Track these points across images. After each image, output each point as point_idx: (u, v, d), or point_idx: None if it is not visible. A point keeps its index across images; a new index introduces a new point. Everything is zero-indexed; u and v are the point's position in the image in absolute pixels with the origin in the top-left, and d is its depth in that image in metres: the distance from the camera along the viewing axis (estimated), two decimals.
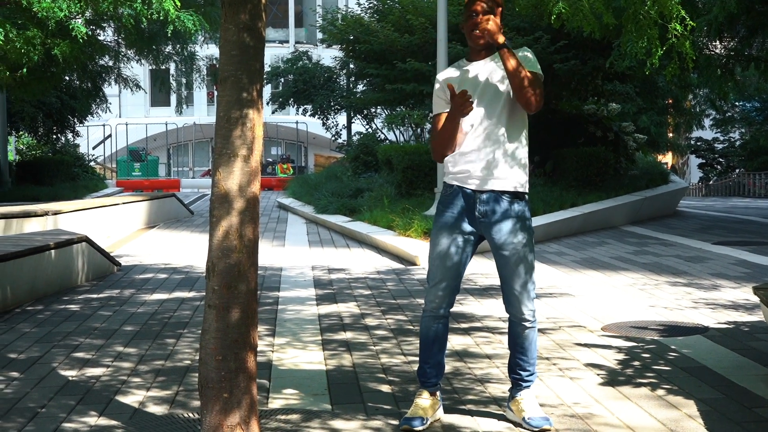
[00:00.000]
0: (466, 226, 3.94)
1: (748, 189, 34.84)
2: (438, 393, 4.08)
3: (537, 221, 12.25)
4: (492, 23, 3.85)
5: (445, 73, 4.06)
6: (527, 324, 3.98)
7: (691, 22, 5.18)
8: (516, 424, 3.99)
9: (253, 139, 3.59)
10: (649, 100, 22.35)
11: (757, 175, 34.73)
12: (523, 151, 3.95)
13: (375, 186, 16.42)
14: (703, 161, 43.18)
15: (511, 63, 3.81)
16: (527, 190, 3.98)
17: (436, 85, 4.05)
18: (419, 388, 4.08)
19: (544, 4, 5.32)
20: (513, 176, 3.91)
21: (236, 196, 3.55)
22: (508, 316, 4.07)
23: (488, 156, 3.89)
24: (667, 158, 43.99)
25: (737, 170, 39.93)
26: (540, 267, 9.44)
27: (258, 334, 6.03)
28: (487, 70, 3.94)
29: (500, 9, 3.97)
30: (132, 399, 4.50)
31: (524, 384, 4.04)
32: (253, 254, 3.63)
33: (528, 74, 3.83)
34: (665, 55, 5.18)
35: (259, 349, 5.55)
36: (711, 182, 41.66)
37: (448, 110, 3.92)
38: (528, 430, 3.91)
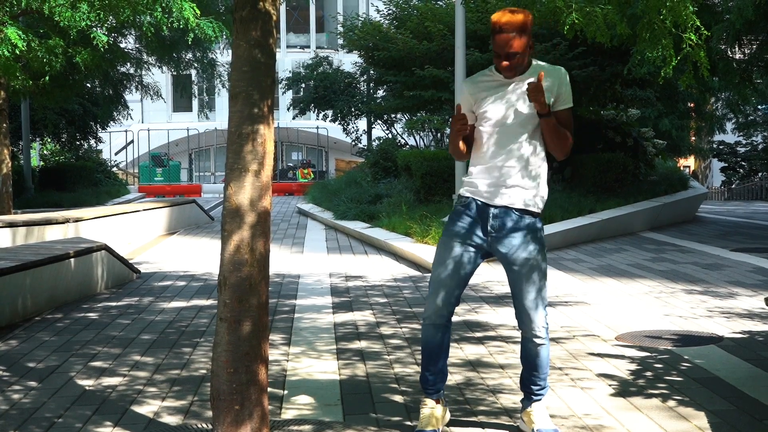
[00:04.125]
0: (476, 239, 3.94)
1: None
2: (443, 399, 4.11)
3: (555, 228, 12.27)
4: (542, 96, 3.77)
5: (474, 83, 4.01)
6: (538, 341, 3.98)
7: (705, 32, 5.20)
8: None
9: (264, 154, 3.64)
10: (669, 105, 22.26)
11: None
12: (543, 170, 3.97)
13: (394, 192, 16.46)
14: (726, 165, 42.92)
15: (550, 129, 3.88)
16: (541, 209, 3.97)
17: (464, 92, 4.04)
18: (423, 397, 4.11)
19: (558, 14, 5.36)
20: (528, 194, 3.91)
21: (247, 211, 3.60)
22: (521, 338, 4.10)
23: (507, 172, 3.90)
24: (690, 162, 43.77)
25: (760, 174, 39.67)
26: (556, 274, 9.45)
27: (273, 342, 6.12)
28: (517, 93, 3.91)
29: (527, 35, 3.84)
30: (147, 409, 4.56)
31: (535, 398, 4.07)
32: (265, 268, 3.68)
33: (563, 133, 3.91)
34: (682, 62, 5.20)
35: (274, 358, 5.63)
36: (733, 186, 41.39)
37: (470, 120, 3.99)
38: None
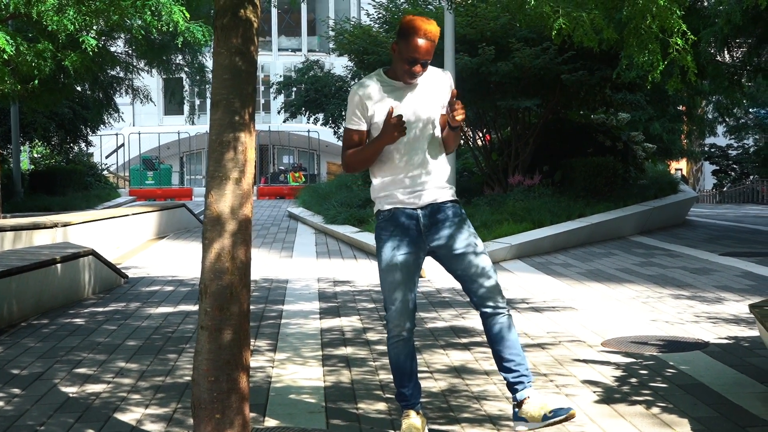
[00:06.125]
0: (414, 245, 3.99)
1: (762, 196, 34.68)
2: (420, 410, 4.12)
3: (544, 232, 12.28)
4: (463, 113, 3.90)
5: (368, 89, 4.00)
6: (507, 311, 4.03)
7: (692, 36, 5.20)
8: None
9: (245, 162, 3.63)
10: (659, 109, 22.29)
11: None
12: (447, 161, 4.15)
13: None
14: (717, 168, 43.01)
15: (456, 135, 4.03)
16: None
17: (355, 99, 3.99)
18: (403, 409, 4.09)
19: (545, 20, 5.36)
20: (448, 187, 4.09)
21: (228, 219, 3.60)
22: (482, 320, 4.07)
23: (424, 174, 4.00)
24: (681, 165, 43.87)
25: (751, 177, 39.76)
26: (544, 279, 9.46)
27: (259, 348, 6.11)
28: (420, 96, 4.00)
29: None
30: (130, 416, 4.54)
31: (529, 378, 4.02)
32: (246, 276, 3.67)
33: (459, 133, 4.09)
34: (670, 66, 5.20)
35: (259, 364, 5.61)
36: (725, 189, 41.48)
37: (364, 128, 4.00)
38: (554, 421, 3.92)
